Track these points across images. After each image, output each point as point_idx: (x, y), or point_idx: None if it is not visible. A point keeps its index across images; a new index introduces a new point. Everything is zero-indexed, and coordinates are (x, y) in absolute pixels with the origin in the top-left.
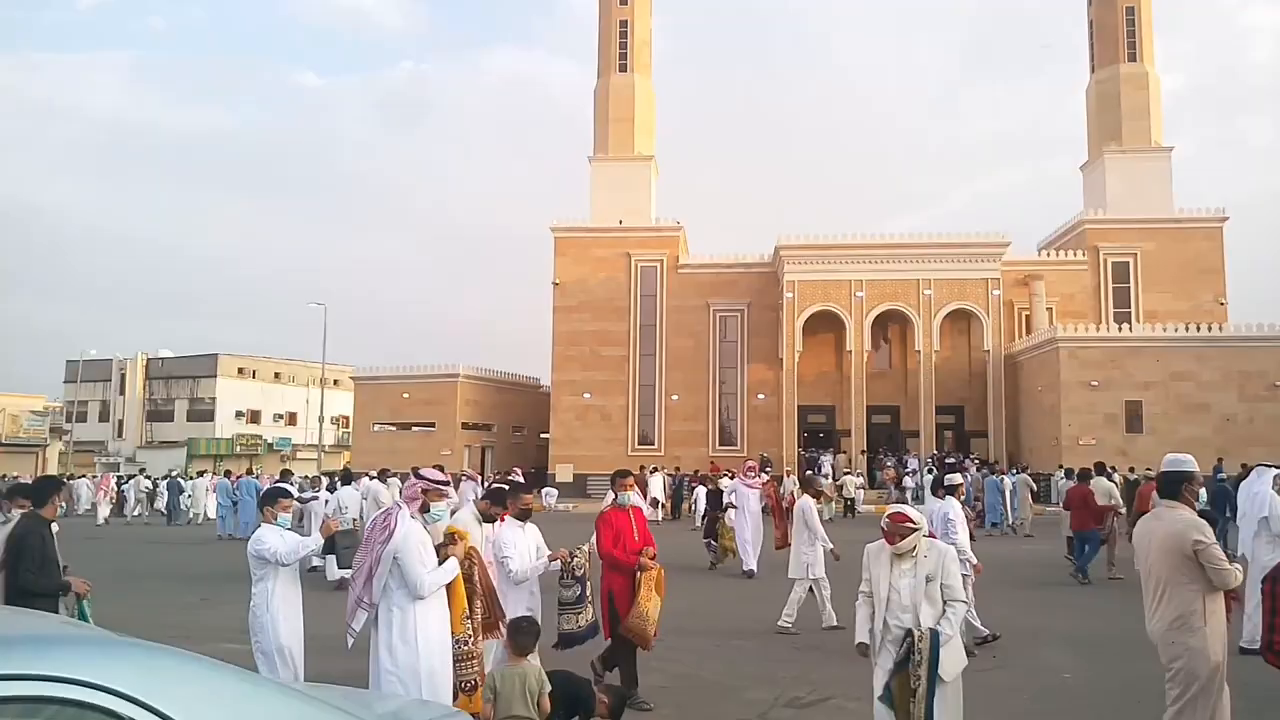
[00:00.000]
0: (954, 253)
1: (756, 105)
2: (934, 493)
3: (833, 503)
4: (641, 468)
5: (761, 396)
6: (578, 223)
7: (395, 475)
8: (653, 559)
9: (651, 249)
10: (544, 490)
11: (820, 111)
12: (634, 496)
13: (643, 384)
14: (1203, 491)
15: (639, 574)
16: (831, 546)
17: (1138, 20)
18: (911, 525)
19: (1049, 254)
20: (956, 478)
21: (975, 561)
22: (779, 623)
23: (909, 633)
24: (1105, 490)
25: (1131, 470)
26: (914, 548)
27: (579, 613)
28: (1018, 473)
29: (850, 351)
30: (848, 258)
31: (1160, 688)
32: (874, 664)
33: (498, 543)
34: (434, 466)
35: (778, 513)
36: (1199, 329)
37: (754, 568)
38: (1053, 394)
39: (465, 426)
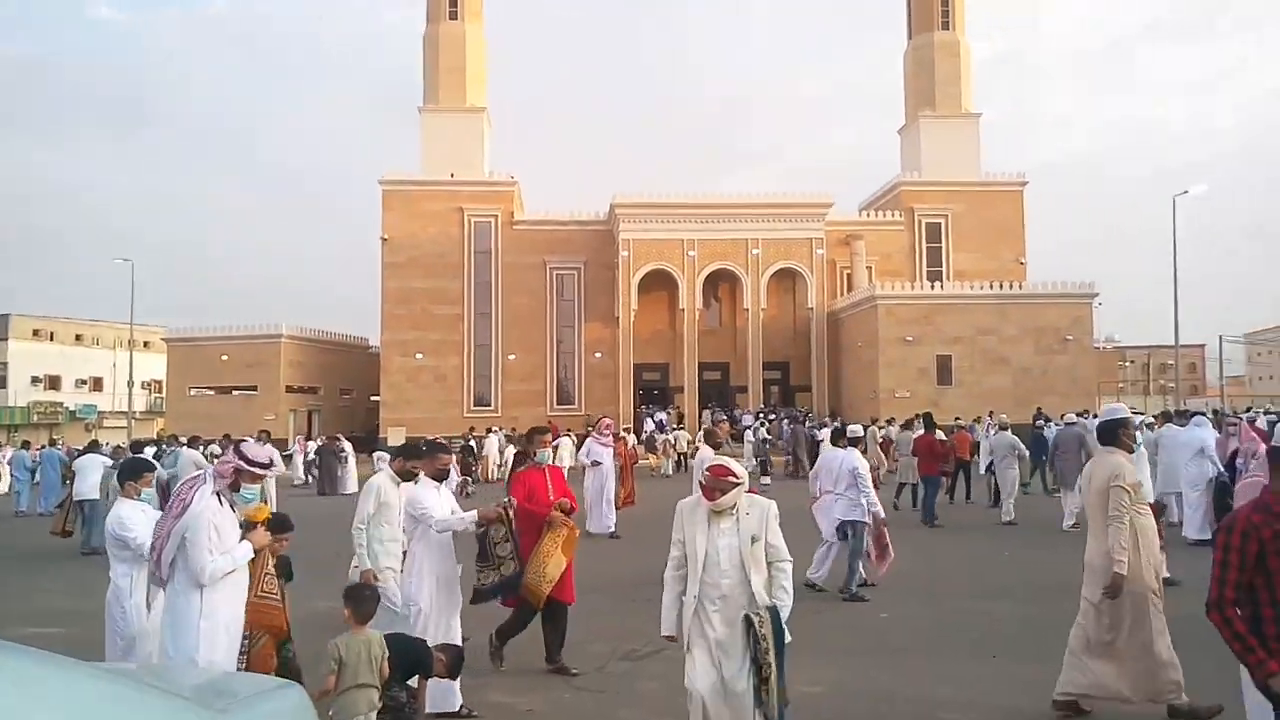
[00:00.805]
0: (781, 213)
1: (596, 61)
2: (834, 444)
3: (669, 459)
4: (471, 429)
5: (598, 355)
6: (408, 175)
7: (214, 442)
8: (568, 514)
9: (485, 204)
10: (375, 455)
11: (659, 70)
12: (550, 455)
13: (478, 343)
14: (997, 438)
15: (545, 529)
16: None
17: None
18: (734, 479)
19: (869, 214)
20: (859, 429)
21: (882, 515)
22: None
23: (747, 619)
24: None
25: (958, 419)
26: (734, 505)
27: (500, 565)
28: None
29: (683, 310)
30: (681, 216)
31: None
32: (685, 647)
33: (412, 499)
34: (260, 433)
35: (627, 472)
36: (1001, 287)
37: (613, 526)
38: (871, 349)
39: (290, 389)
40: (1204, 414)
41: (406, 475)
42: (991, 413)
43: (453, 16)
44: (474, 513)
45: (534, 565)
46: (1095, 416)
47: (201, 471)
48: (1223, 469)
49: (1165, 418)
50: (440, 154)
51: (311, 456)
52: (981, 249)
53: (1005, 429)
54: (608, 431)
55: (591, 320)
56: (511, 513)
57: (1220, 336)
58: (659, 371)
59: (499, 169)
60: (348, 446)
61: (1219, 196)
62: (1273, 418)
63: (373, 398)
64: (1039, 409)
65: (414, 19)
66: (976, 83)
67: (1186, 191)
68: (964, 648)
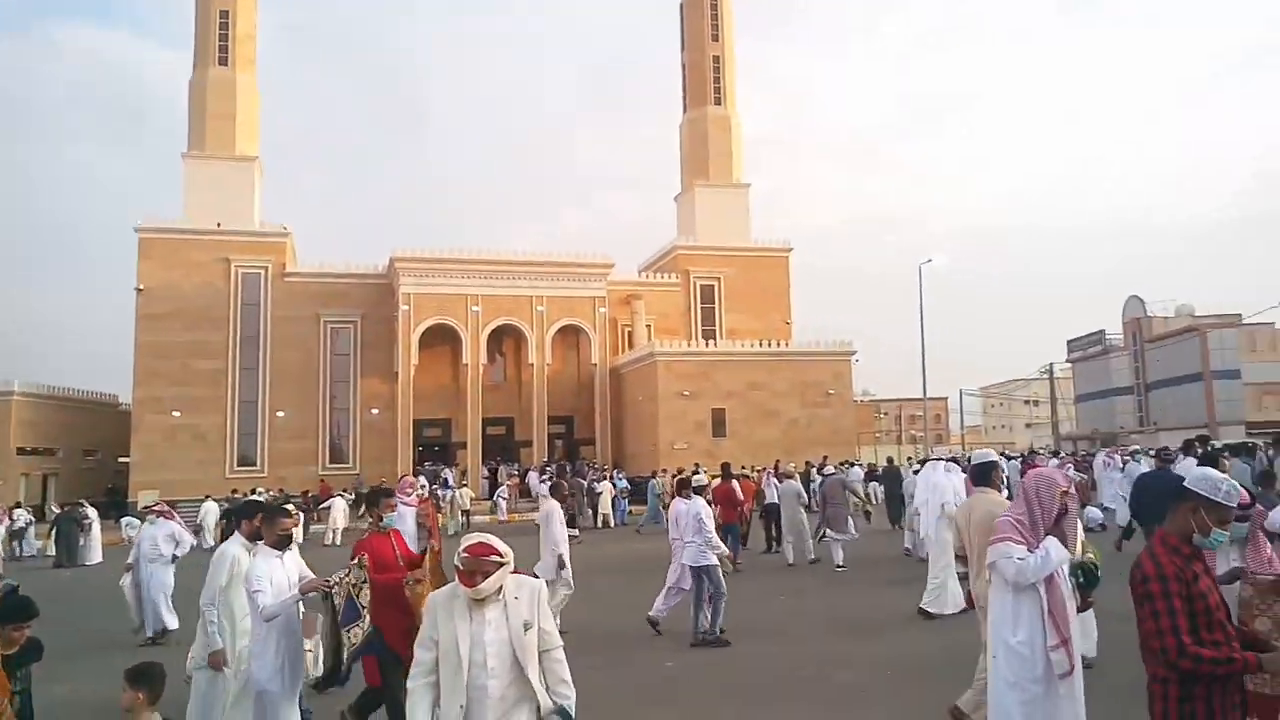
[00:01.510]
0: (565, 272)
1: (375, 116)
2: (679, 494)
3: (454, 519)
4: (234, 491)
5: (375, 411)
6: (169, 223)
7: None
8: (420, 580)
9: (255, 255)
10: (123, 520)
11: (440, 127)
12: (397, 519)
13: (244, 400)
14: (797, 486)
15: (410, 594)
16: (562, 552)
17: (723, 69)
18: (498, 558)
19: (648, 275)
20: (703, 478)
21: (728, 552)
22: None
23: None
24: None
25: (744, 468)
26: (500, 589)
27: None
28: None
29: (466, 365)
30: (464, 272)
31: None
32: None
33: (248, 575)
34: None
35: (434, 533)
36: (771, 345)
37: None
38: (651, 403)
39: (21, 452)
40: (954, 460)
41: (258, 537)
42: (778, 462)
43: (222, 63)
44: (294, 593)
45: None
46: (855, 465)
47: None
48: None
49: (922, 464)
50: (206, 202)
51: (20, 525)
52: (751, 310)
53: (791, 477)
54: (411, 490)
55: (369, 375)
56: (362, 573)
57: (960, 390)
58: (440, 427)
59: (271, 219)
60: (91, 513)
61: (960, 266)
62: (1014, 462)
63: (122, 459)
64: (824, 457)
65: (180, 62)
66: (747, 155)
67: (930, 260)
68: (744, 691)
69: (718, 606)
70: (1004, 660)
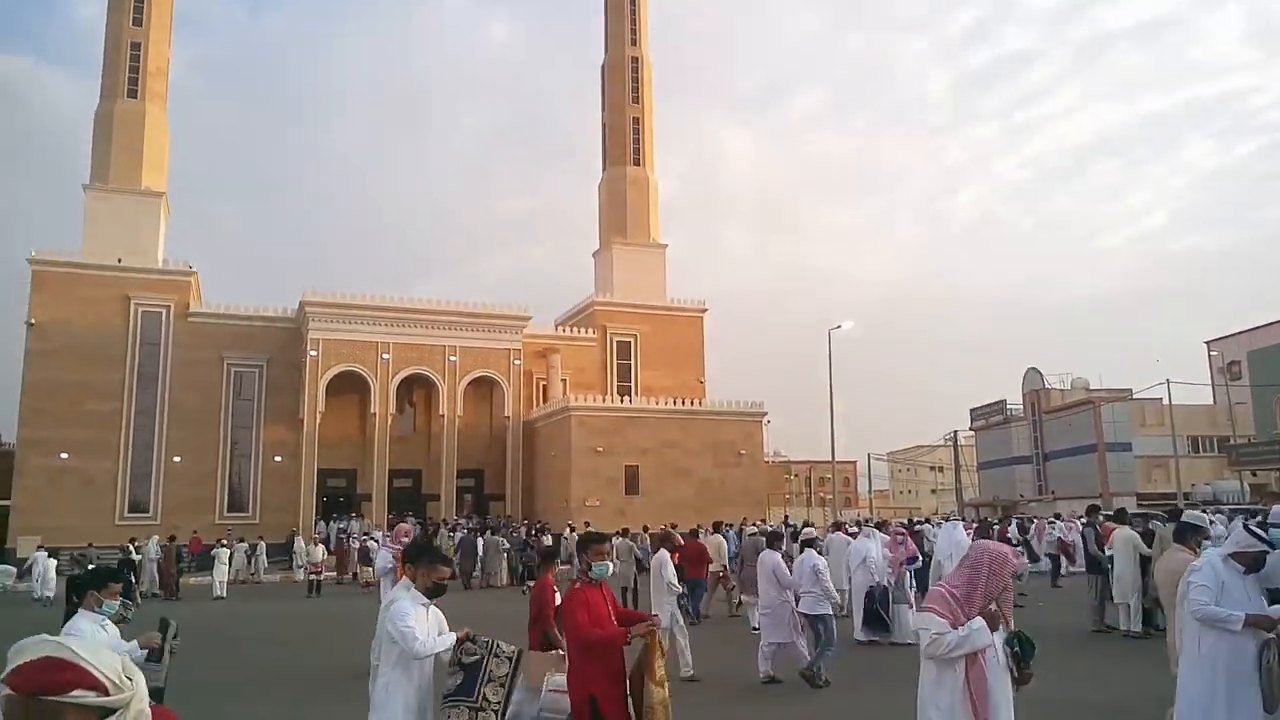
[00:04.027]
0: (479, 322)
1: (291, 158)
2: (771, 546)
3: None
4: (133, 540)
5: (279, 459)
6: (66, 256)
7: None
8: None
9: (157, 293)
10: None
11: (355, 175)
12: (610, 568)
13: (139, 443)
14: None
15: (646, 641)
16: (681, 590)
17: (642, 131)
18: (88, 695)
19: (565, 330)
20: (812, 531)
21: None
22: (684, 673)
23: None
24: (716, 545)
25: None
26: None
27: (481, 710)
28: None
29: (374, 414)
30: (375, 319)
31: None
32: None
33: (396, 611)
34: None
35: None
36: (684, 403)
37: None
38: (565, 459)
39: None
40: (871, 526)
41: (435, 591)
42: (745, 519)
43: (132, 95)
44: (451, 636)
45: (655, 699)
46: (777, 525)
47: None
48: (878, 578)
49: (837, 526)
50: (107, 237)
51: None
52: (666, 368)
53: (753, 535)
54: (407, 538)
55: (273, 422)
56: (507, 664)
57: (869, 454)
58: (345, 478)
59: (176, 257)
60: None
61: (868, 332)
62: (936, 524)
63: (1, 502)
64: (762, 519)
65: (87, 93)
66: (664, 215)
67: (840, 326)
68: None
69: (825, 653)
70: None
